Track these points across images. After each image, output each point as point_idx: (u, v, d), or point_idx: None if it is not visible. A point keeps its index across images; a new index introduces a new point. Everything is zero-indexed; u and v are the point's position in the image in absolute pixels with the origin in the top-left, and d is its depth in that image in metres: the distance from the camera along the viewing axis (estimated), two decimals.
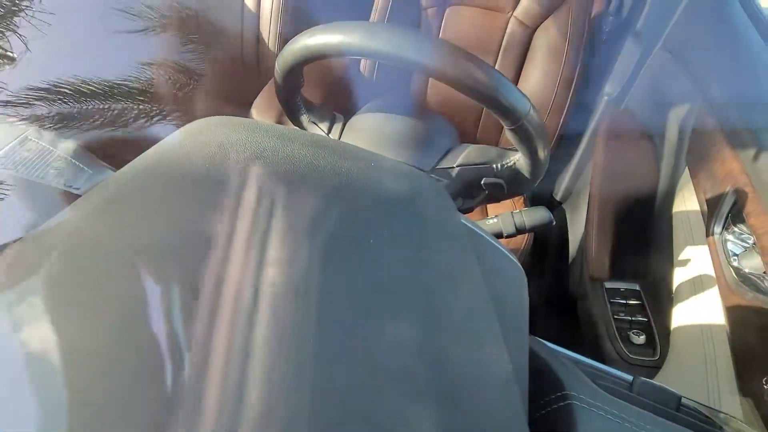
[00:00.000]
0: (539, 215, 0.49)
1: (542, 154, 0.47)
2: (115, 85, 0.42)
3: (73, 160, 0.50)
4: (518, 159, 0.50)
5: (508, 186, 0.51)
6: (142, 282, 0.21)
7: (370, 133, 0.53)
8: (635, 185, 0.87)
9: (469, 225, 0.31)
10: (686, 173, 0.70)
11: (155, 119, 0.51)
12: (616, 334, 0.75)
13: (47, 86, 0.44)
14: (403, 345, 0.23)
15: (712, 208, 0.59)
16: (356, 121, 0.55)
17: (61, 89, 0.42)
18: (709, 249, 0.58)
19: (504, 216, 0.50)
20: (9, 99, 0.43)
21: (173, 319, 0.19)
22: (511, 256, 0.34)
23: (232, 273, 0.21)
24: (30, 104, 0.42)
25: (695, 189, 0.65)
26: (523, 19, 0.95)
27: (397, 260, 0.27)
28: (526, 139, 0.45)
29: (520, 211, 0.50)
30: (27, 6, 0.52)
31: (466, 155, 0.51)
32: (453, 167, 0.51)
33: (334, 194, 0.27)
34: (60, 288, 0.21)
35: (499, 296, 0.30)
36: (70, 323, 0.19)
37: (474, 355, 0.26)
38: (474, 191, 0.52)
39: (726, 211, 0.56)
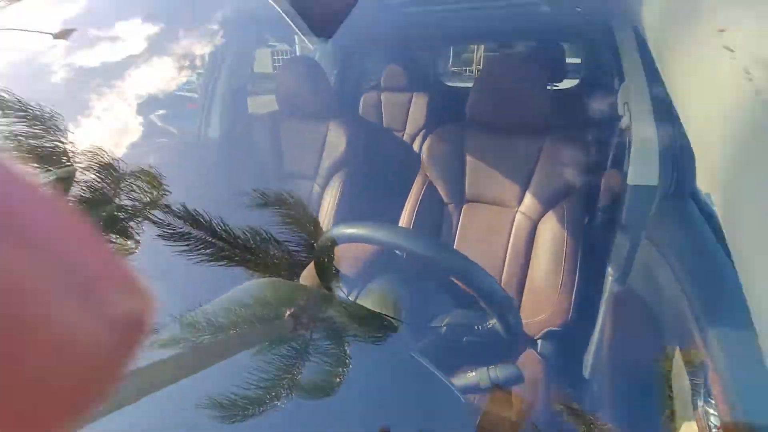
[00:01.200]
0: (509, 371, 0.58)
1: (512, 319, 0.60)
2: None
3: None
4: (495, 322, 0.62)
5: (490, 345, 0.62)
6: None
7: (381, 297, 0.70)
8: (643, 362, 0.89)
9: (421, 361, 0.44)
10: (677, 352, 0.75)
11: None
12: None
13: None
14: None
15: (693, 382, 0.63)
16: (371, 287, 0.73)
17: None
18: (697, 424, 0.60)
19: (480, 371, 0.59)
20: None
21: None
22: (458, 394, 0.44)
23: None
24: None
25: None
26: (527, 213, 1.17)
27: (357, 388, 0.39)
28: (494, 307, 0.59)
29: (495, 366, 0.59)
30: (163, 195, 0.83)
31: (452, 316, 0.65)
32: (441, 326, 0.64)
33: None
34: None
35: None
36: None
37: None
38: (459, 349, 0.63)
39: (701, 385, 0.60)
